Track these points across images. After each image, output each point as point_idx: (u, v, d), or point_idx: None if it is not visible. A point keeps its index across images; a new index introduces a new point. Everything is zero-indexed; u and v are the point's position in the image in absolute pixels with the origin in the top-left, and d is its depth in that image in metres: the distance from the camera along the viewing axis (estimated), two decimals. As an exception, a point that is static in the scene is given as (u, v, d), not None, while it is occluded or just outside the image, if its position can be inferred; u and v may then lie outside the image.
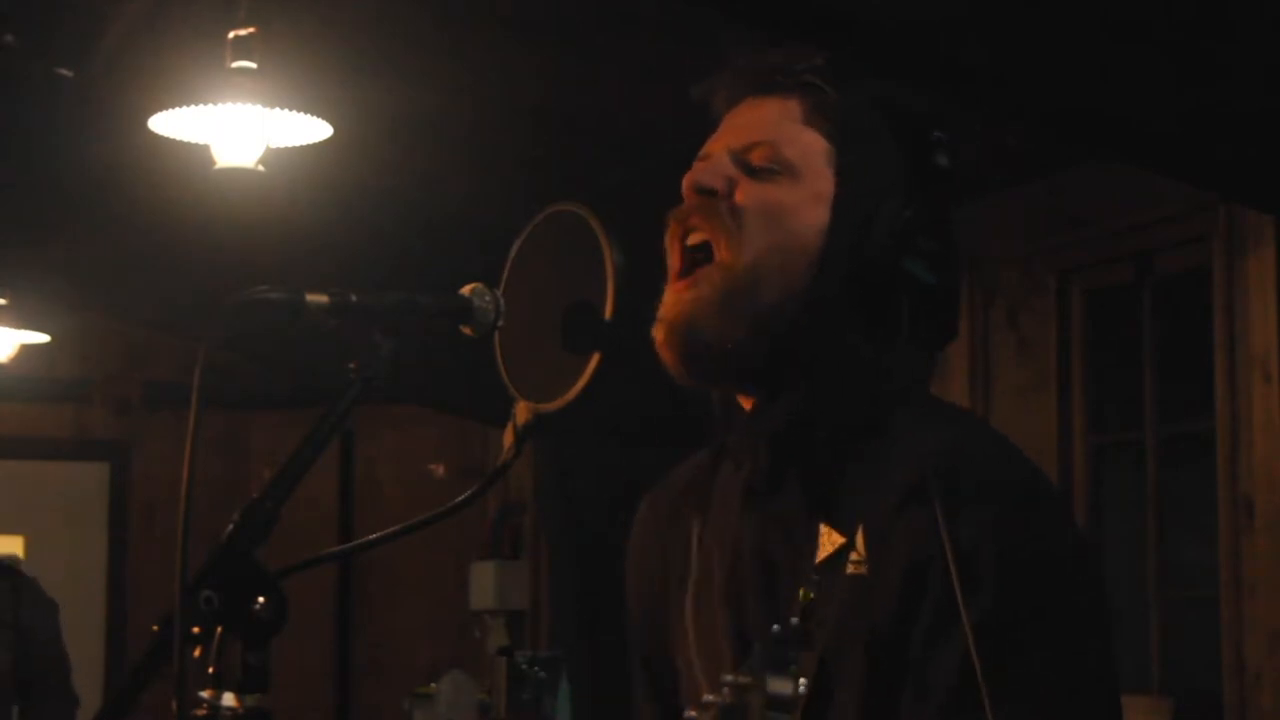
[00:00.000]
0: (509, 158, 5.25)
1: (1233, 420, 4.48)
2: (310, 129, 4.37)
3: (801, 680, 1.28)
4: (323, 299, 1.53)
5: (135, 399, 8.49)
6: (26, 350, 7.59)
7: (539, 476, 7.32)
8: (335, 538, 7.96)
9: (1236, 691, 4.44)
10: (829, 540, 1.60)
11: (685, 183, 1.71)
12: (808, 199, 1.68)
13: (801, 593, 1.56)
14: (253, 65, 4.03)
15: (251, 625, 1.45)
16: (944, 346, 1.73)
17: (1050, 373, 5.08)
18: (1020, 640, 1.53)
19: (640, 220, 1.72)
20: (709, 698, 1.32)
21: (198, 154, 4.33)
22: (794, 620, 1.33)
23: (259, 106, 4.09)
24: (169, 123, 4.26)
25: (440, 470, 8.22)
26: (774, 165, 1.69)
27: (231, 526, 1.47)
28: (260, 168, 4.24)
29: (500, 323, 1.60)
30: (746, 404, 1.71)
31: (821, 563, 1.60)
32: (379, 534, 1.64)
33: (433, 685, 7.24)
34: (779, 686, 1.28)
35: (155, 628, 1.43)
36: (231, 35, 4.02)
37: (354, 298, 1.55)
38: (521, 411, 1.64)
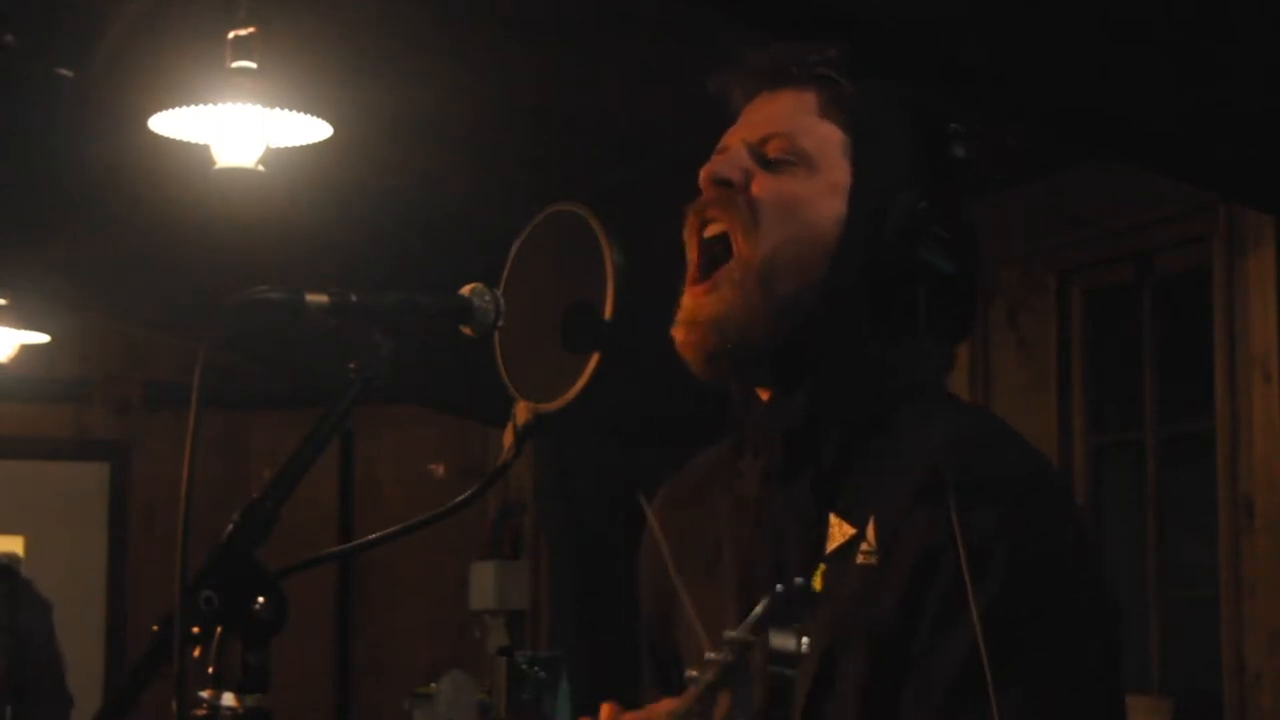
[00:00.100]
0: (509, 158, 5.25)
1: (1233, 420, 4.48)
2: (310, 129, 4.37)
3: (805, 639, 1.28)
4: (323, 299, 1.53)
5: (135, 399, 8.49)
6: (26, 350, 7.58)
7: (539, 476, 7.32)
8: (335, 538, 7.96)
9: (1236, 691, 4.44)
10: (839, 531, 1.61)
11: (702, 175, 1.72)
12: (824, 190, 1.69)
13: (816, 582, 1.57)
14: (253, 65, 4.03)
15: (251, 625, 1.45)
16: (963, 338, 1.74)
17: (1050, 373, 5.08)
18: (1023, 636, 1.54)
19: (640, 220, 1.72)
20: (711, 655, 1.31)
21: (198, 154, 4.33)
22: (798, 580, 1.33)
23: (259, 106, 4.09)
24: (169, 123, 4.26)
25: (440, 470, 8.22)
26: (790, 157, 1.70)
27: (231, 526, 1.47)
28: (260, 168, 4.24)
29: (500, 323, 1.60)
30: (764, 394, 1.72)
31: (832, 553, 1.61)
32: (379, 534, 1.64)
33: (433, 685, 7.24)
34: (782, 642, 1.27)
35: (155, 628, 1.43)
36: (231, 35, 4.02)
37: (354, 298, 1.55)
38: (521, 411, 1.64)
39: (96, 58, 4.62)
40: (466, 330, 1.60)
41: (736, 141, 1.73)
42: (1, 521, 8.12)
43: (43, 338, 7.54)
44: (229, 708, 1.44)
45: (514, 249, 1.71)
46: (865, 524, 1.60)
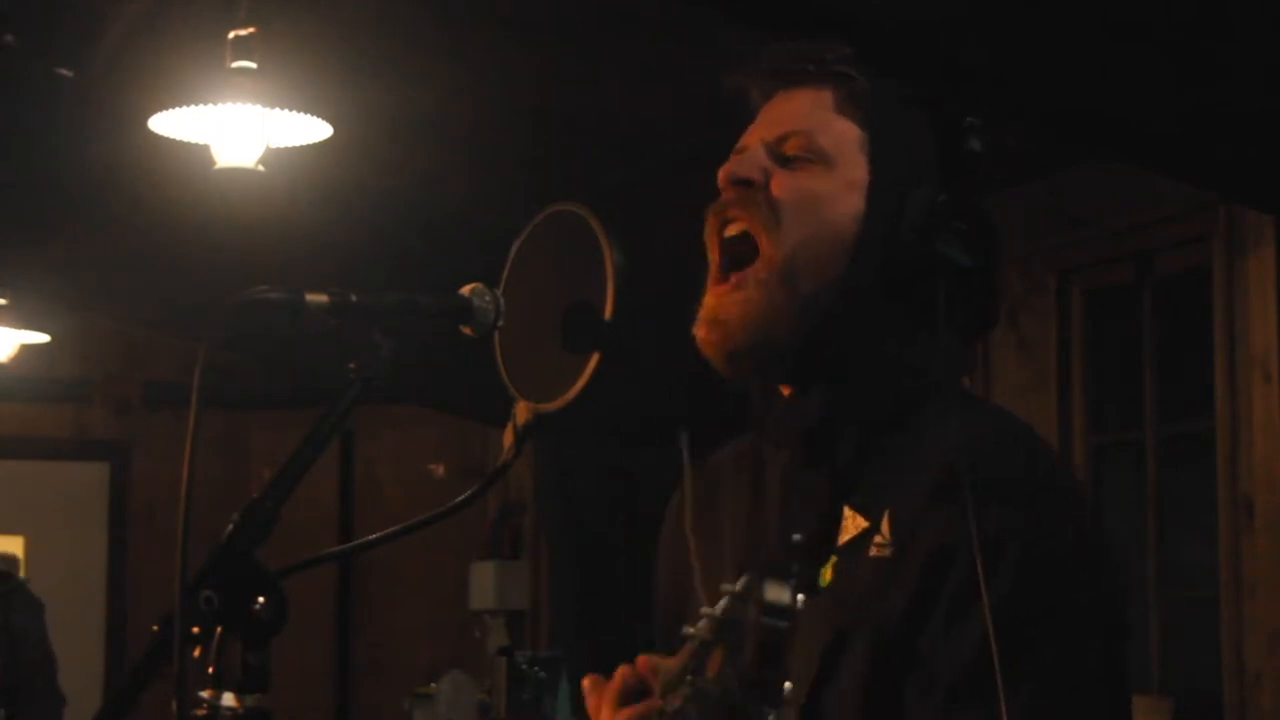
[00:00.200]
0: (509, 158, 5.25)
1: (1233, 420, 4.48)
2: (310, 129, 4.37)
3: (800, 595, 1.28)
4: (323, 299, 1.53)
5: (135, 399, 8.49)
6: (26, 350, 7.59)
7: (539, 476, 7.32)
8: (335, 538, 7.96)
9: (1236, 691, 4.44)
10: (853, 524, 1.62)
11: (721, 175, 1.72)
12: (843, 187, 1.69)
13: (826, 575, 1.57)
14: (253, 65, 4.03)
15: (251, 625, 1.45)
16: (985, 333, 1.74)
17: (1050, 373, 5.08)
18: (1032, 635, 1.54)
19: (640, 220, 1.72)
20: (706, 610, 1.31)
21: (198, 154, 4.33)
22: (796, 536, 1.33)
23: (259, 106, 4.09)
24: (169, 123, 4.26)
25: (440, 470, 8.22)
26: (808, 154, 1.70)
27: (231, 526, 1.47)
28: (260, 168, 4.24)
29: (500, 323, 1.60)
30: (785, 390, 1.72)
31: (844, 544, 1.61)
32: (379, 534, 1.64)
33: (433, 685, 7.24)
34: (776, 594, 1.27)
35: (155, 628, 1.43)
36: (231, 35, 4.02)
37: (354, 298, 1.55)
38: (521, 411, 1.64)
39: (96, 58, 4.62)
40: (466, 330, 1.60)
41: (755, 141, 1.73)
42: (1, 521, 8.12)
43: (43, 338, 7.54)
44: (229, 708, 1.44)
45: (514, 249, 1.71)
46: (879, 518, 1.60)
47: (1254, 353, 4.43)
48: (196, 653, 1.45)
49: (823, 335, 1.67)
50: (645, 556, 1.92)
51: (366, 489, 8.43)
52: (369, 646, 8.47)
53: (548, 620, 7.56)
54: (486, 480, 1.69)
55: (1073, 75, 3.80)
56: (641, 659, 1.50)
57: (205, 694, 1.45)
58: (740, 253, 1.69)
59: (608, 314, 1.59)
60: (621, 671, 1.55)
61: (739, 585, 1.29)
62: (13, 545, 7.80)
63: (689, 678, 1.32)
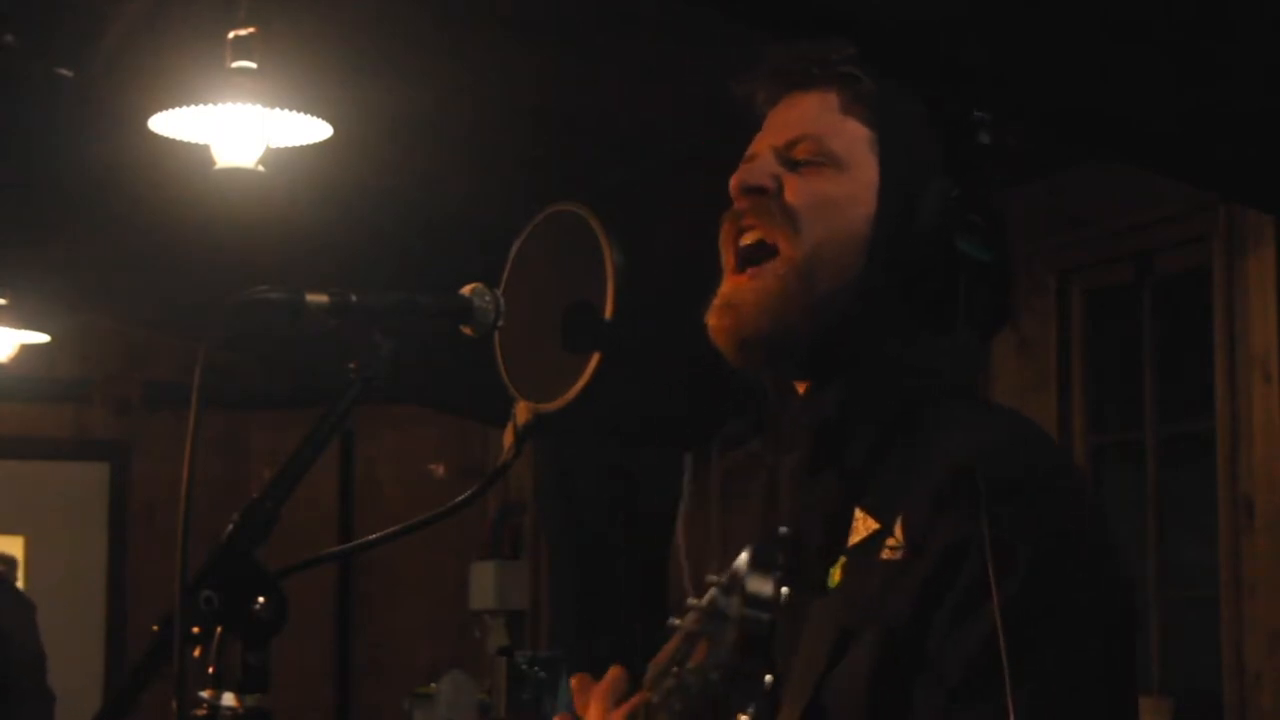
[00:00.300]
0: (509, 158, 5.24)
1: (1233, 420, 4.48)
2: (310, 129, 4.37)
3: (784, 589, 1.28)
4: (323, 299, 1.53)
5: (135, 399, 8.49)
6: (26, 350, 7.58)
7: (539, 476, 7.32)
8: (335, 538, 7.96)
9: (1236, 691, 4.44)
10: (863, 525, 1.62)
11: (733, 184, 1.72)
12: (856, 188, 1.70)
13: (835, 574, 1.57)
14: (253, 65, 4.03)
15: (251, 625, 1.45)
16: (1000, 329, 1.73)
17: (1050, 373, 5.08)
18: (1038, 636, 1.54)
19: (640, 220, 1.72)
20: (692, 601, 1.31)
21: (198, 154, 4.33)
22: (782, 529, 1.33)
23: (259, 106, 4.09)
24: (169, 123, 4.26)
25: (440, 470, 8.22)
26: (819, 158, 1.70)
27: (231, 526, 1.47)
28: (260, 168, 4.24)
29: (500, 323, 1.60)
30: (800, 388, 1.72)
31: (853, 546, 1.61)
32: (379, 534, 1.65)
33: (433, 685, 7.24)
34: (758, 586, 1.27)
35: (155, 628, 1.44)
36: (231, 35, 4.02)
37: (354, 298, 1.55)
38: (521, 411, 1.64)
39: (96, 58, 4.61)
40: (466, 330, 1.61)
41: (764, 148, 1.73)
42: (1, 521, 8.12)
43: (43, 338, 7.54)
44: (229, 708, 1.44)
45: (514, 249, 1.71)
46: (892, 520, 1.60)
47: (1254, 353, 4.43)
48: (196, 653, 1.45)
49: (838, 334, 1.67)
50: (645, 557, 1.92)
51: (366, 489, 8.43)
52: (369, 646, 8.46)
53: (548, 620, 7.56)
54: (486, 480, 1.70)
55: (1073, 75, 3.80)
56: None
57: (205, 694, 1.45)
58: (759, 256, 1.69)
59: (608, 314, 1.60)
60: (613, 671, 1.55)
61: (723, 577, 1.29)
62: (13, 545, 7.80)
63: (674, 669, 1.32)
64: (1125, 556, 1.67)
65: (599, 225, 1.63)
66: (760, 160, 1.72)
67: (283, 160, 4.43)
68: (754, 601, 1.26)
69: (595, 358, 1.60)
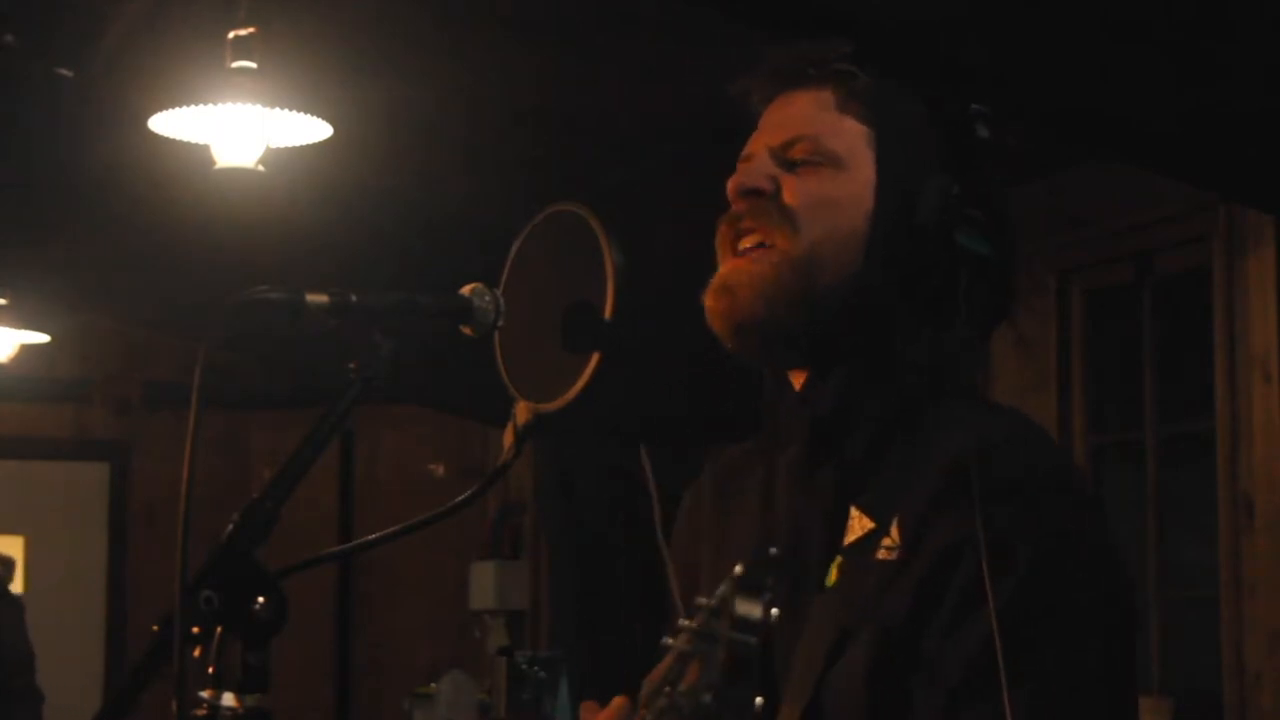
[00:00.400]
0: (509, 158, 5.24)
1: (1233, 420, 4.48)
2: (310, 129, 4.37)
3: (774, 610, 1.28)
4: (323, 299, 1.53)
5: (135, 399, 8.49)
6: (26, 350, 7.59)
7: (539, 476, 7.32)
8: (335, 538, 7.96)
9: (1236, 691, 4.44)
10: (859, 524, 1.61)
11: (730, 187, 1.71)
12: (855, 186, 1.69)
13: (832, 574, 1.57)
14: (253, 65, 4.03)
15: (251, 625, 1.45)
16: (999, 324, 1.73)
17: (1050, 373, 5.08)
18: (1037, 636, 1.54)
19: (640, 220, 1.72)
20: (683, 623, 1.32)
21: (198, 154, 4.33)
22: (772, 550, 1.33)
23: (259, 106, 4.09)
24: (169, 123, 4.26)
25: (440, 470, 8.22)
26: (816, 158, 1.69)
27: (231, 526, 1.47)
28: (260, 168, 4.24)
29: (500, 323, 1.60)
30: (796, 382, 1.71)
31: (849, 545, 1.61)
32: (379, 534, 1.64)
33: (433, 685, 7.24)
34: (747, 609, 1.27)
35: (155, 628, 1.43)
36: (231, 35, 4.02)
37: (354, 298, 1.55)
38: (521, 411, 1.64)
39: (96, 58, 4.61)
40: (466, 330, 1.60)
41: (760, 148, 1.72)
42: (1, 521, 8.13)
43: (43, 338, 7.54)
44: (229, 708, 1.44)
45: (514, 249, 1.71)
46: (888, 520, 1.59)
47: (1254, 353, 4.43)
48: (196, 653, 1.45)
49: (837, 325, 1.66)
50: (645, 557, 1.92)
51: (366, 489, 8.43)
52: (369, 646, 8.47)
53: (548, 620, 7.56)
54: (486, 480, 1.70)
55: (1073, 75, 3.80)
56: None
57: (205, 694, 1.45)
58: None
59: (608, 314, 1.59)
60: (616, 701, 1.55)
61: (712, 599, 1.29)
62: (13, 545, 7.81)
63: (666, 689, 1.32)
64: (1125, 556, 1.67)
65: (599, 225, 1.63)
66: (757, 161, 1.71)
67: (283, 160, 4.43)
68: (742, 625, 1.26)
69: (595, 358, 1.60)
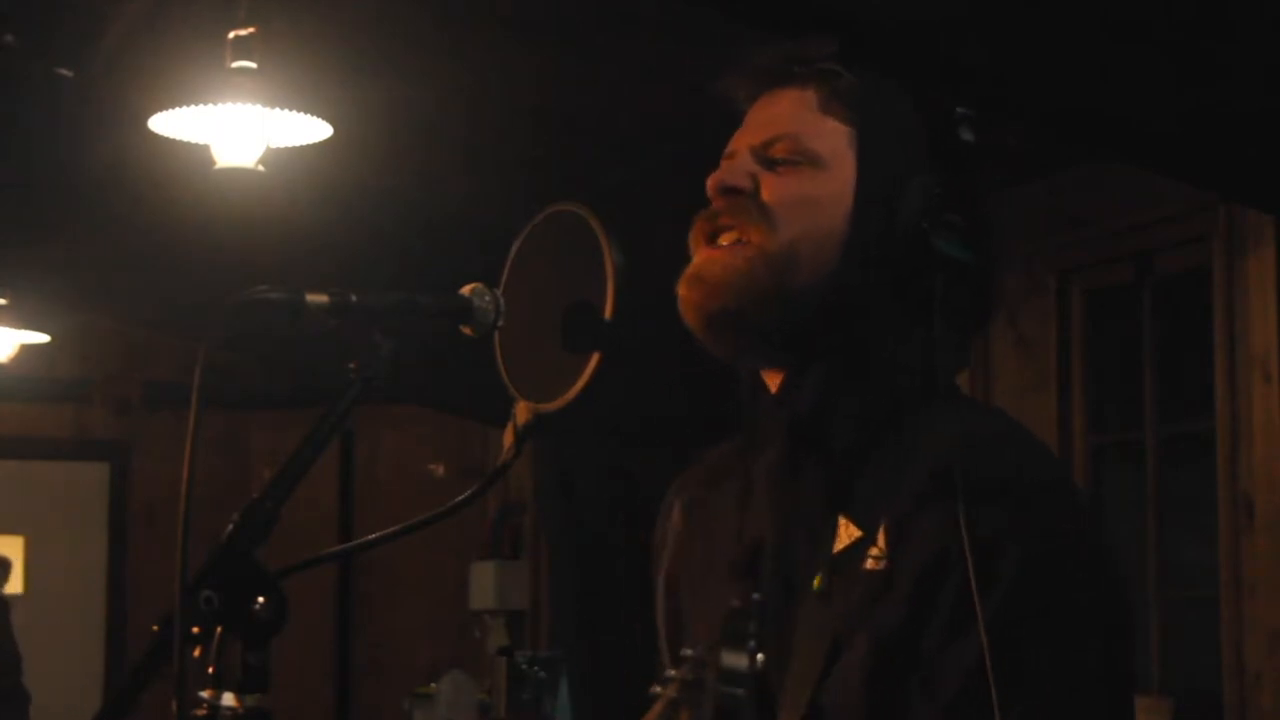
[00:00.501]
0: (509, 158, 5.25)
1: (1233, 420, 4.48)
2: (310, 129, 4.37)
3: (759, 656, 1.28)
4: (323, 299, 1.53)
5: (135, 399, 8.50)
6: (26, 350, 7.59)
7: (539, 476, 7.32)
8: (335, 538, 7.96)
9: (1236, 691, 4.44)
10: (846, 533, 1.60)
11: (710, 184, 1.70)
12: (835, 186, 1.68)
13: (816, 581, 1.56)
14: (253, 65, 4.03)
15: (251, 625, 1.45)
16: (981, 328, 1.72)
17: (1050, 373, 5.08)
18: (1031, 639, 1.53)
19: (640, 220, 1.72)
20: (671, 672, 1.31)
21: (198, 154, 4.33)
22: (755, 596, 1.32)
23: (259, 106, 4.09)
24: (169, 123, 4.26)
25: (440, 470, 8.22)
26: (797, 157, 1.69)
27: (231, 526, 1.47)
28: (260, 168, 4.24)
29: (500, 323, 1.60)
30: (772, 385, 1.70)
31: (837, 554, 1.60)
32: (379, 534, 1.64)
33: (433, 685, 7.24)
34: (733, 661, 1.27)
35: (155, 628, 1.43)
36: (231, 35, 4.02)
37: (354, 298, 1.55)
38: (521, 411, 1.64)
39: (96, 58, 4.62)
40: (466, 330, 1.60)
41: (741, 147, 1.72)
42: (1, 521, 8.13)
43: (43, 338, 7.55)
44: (229, 708, 1.44)
45: (514, 249, 1.71)
46: (875, 527, 1.58)
47: (1254, 353, 4.43)
48: (196, 653, 1.44)
49: (813, 323, 1.65)
50: (645, 557, 1.91)
51: (366, 489, 8.43)
52: (369, 646, 8.47)
53: (548, 620, 7.56)
54: (486, 480, 1.69)
55: (1073, 75, 3.80)
56: None
57: (205, 694, 1.44)
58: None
59: (608, 314, 1.59)
60: None
61: (699, 650, 1.29)
62: (13, 545, 7.81)
63: None
64: (1122, 555, 1.66)
65: (599, 225, 1.63)
66: (738, 159, 1.71)
67: (283, 160, 4.43)
68: (729, 677, 1.26)
69: (595, 358, 1.60)
